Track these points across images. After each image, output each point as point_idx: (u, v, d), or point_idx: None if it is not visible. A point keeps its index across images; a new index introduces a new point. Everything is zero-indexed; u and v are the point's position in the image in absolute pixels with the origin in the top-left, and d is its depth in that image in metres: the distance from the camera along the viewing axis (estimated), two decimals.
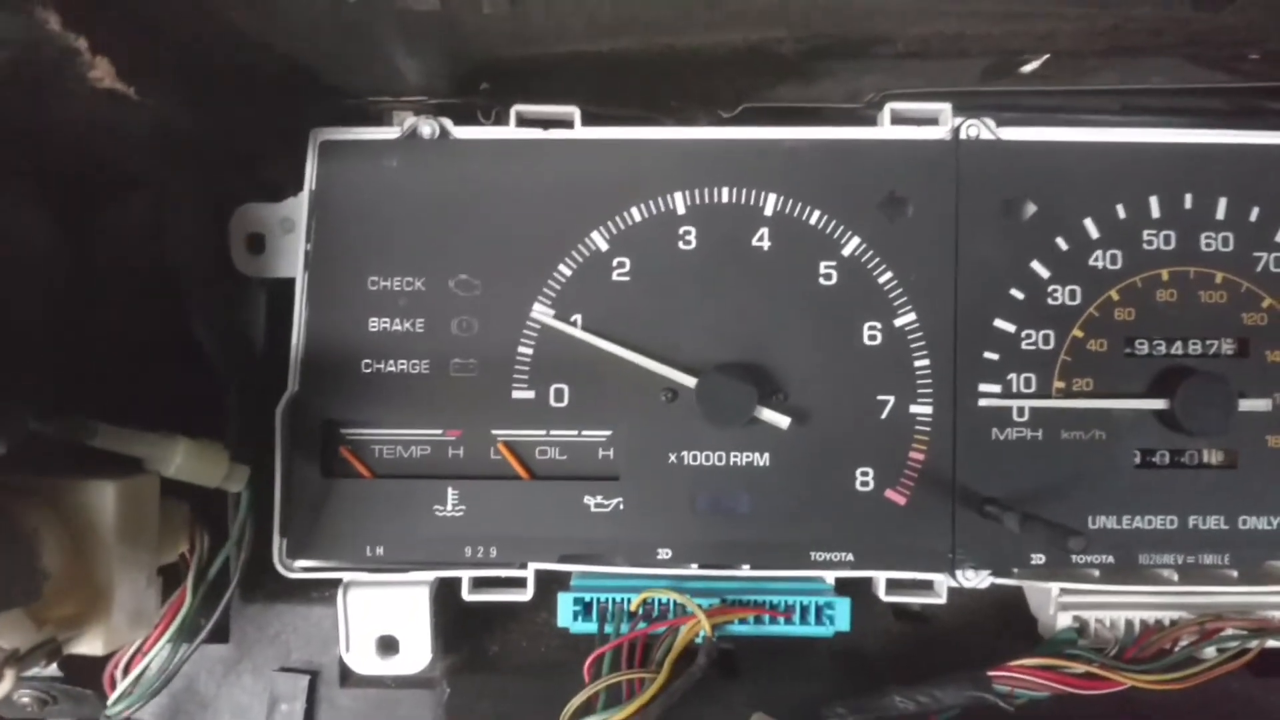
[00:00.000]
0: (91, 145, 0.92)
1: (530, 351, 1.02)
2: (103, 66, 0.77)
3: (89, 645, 0.88)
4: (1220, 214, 1.02)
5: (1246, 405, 1.00)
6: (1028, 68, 1.04)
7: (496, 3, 0.78)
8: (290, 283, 1.03)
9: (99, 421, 0.85)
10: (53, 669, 0.94)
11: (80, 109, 0.82)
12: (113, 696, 0.96)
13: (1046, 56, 1.02)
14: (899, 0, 0.86)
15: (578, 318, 1.02)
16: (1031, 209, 1.02)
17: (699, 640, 0.96)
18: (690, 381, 1.00)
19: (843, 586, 1.02)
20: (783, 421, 0.99)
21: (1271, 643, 0.98)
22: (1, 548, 0.77)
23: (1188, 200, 1.02)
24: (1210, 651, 0.96)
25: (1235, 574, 1.01)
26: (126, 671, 0.97)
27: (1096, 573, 1.01)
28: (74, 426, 0.84)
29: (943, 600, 1.02)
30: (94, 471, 0.89)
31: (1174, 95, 1.10)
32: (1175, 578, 1.01)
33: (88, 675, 0.98)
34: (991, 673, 0.92)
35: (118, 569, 0.88)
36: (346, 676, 1.06)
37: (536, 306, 1.02)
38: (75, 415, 0.84)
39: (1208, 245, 1.02)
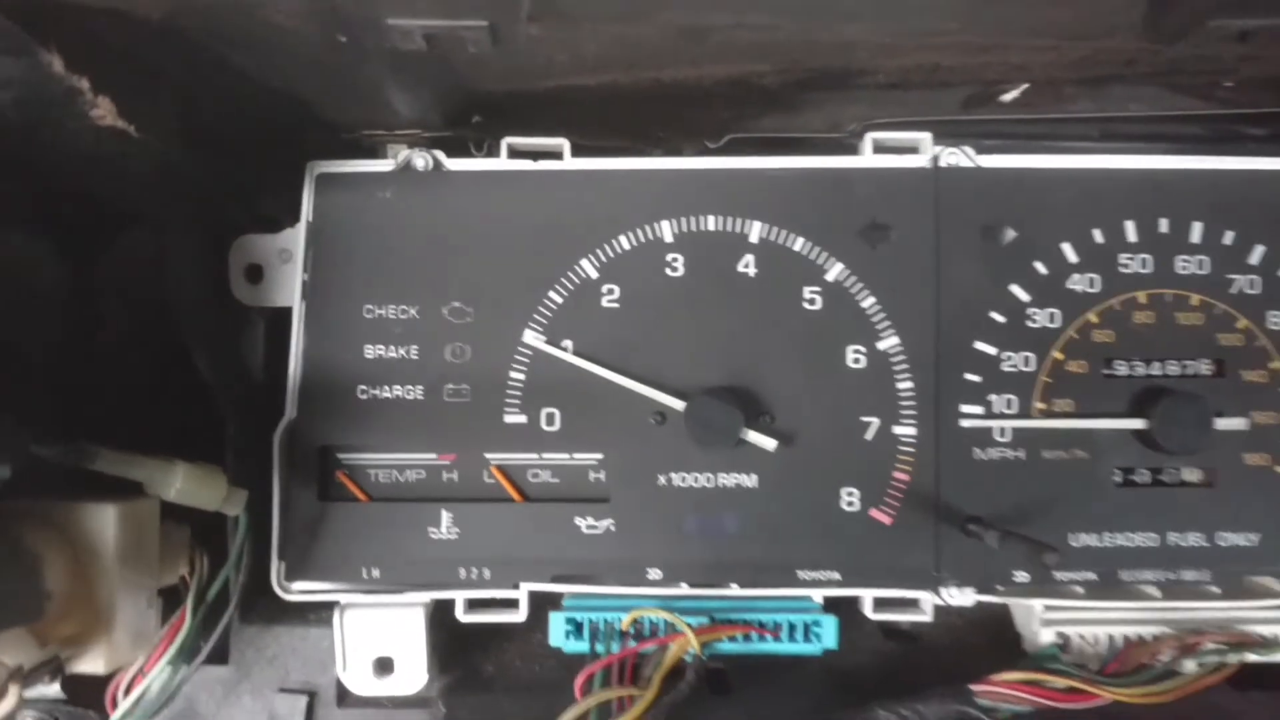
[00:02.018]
0: (94, 180, 0.95)
1: (522, 377, 1.04)
2: (104, 105, 0.79)
3: (91, 664, 0.90)
4: (1195, 238, 1.04)
5: (1223, 424, 1.02)
6: (1007, 96, 1.05)
7: (479, 43, 0.80)
8: (288, 312, 1.05)
9: (100, 446, 0.88)
10: (55, 690, 0.95)
11: (83, 146, 0.84)
12: (114, 716, 0.97)
13: (1025, 86, 1.03)
14: (874, 34, 0.88)
15: (568, 343, 1.04)
16: (1010, 234, 1.04)
17: (689, 658, 0.97)
18: (679, 405, 1.02)
19: (832, 606, 1.03)
20: (769, 443, 1.01)
21: (1252, 657, 0.99)
22: (5, 568, 0.80)
23: (1163, 225, 1.04)
24: (1191, 666, 0.97)
25: (1217, 590, 1.02)
26: (128, 693, 0.98)
27: (1080, 589, 1.03)
28: (76, 451, 0.86)
29: (929, 618, 1.03)
30: (96, 495, 0.91)
31: (1153, 122, 1.11)
32: (1158, 594, 1.02)
33: (90, 697, 0.99)
34: (973, 686, 0.94)
35: (119, 589, 0.90)
36: (344, 697, 1.07)
37: (528, 333, 1.04)
38: (77, 440, 0.87)
39: (1184, 268, 1.04)
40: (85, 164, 0.89)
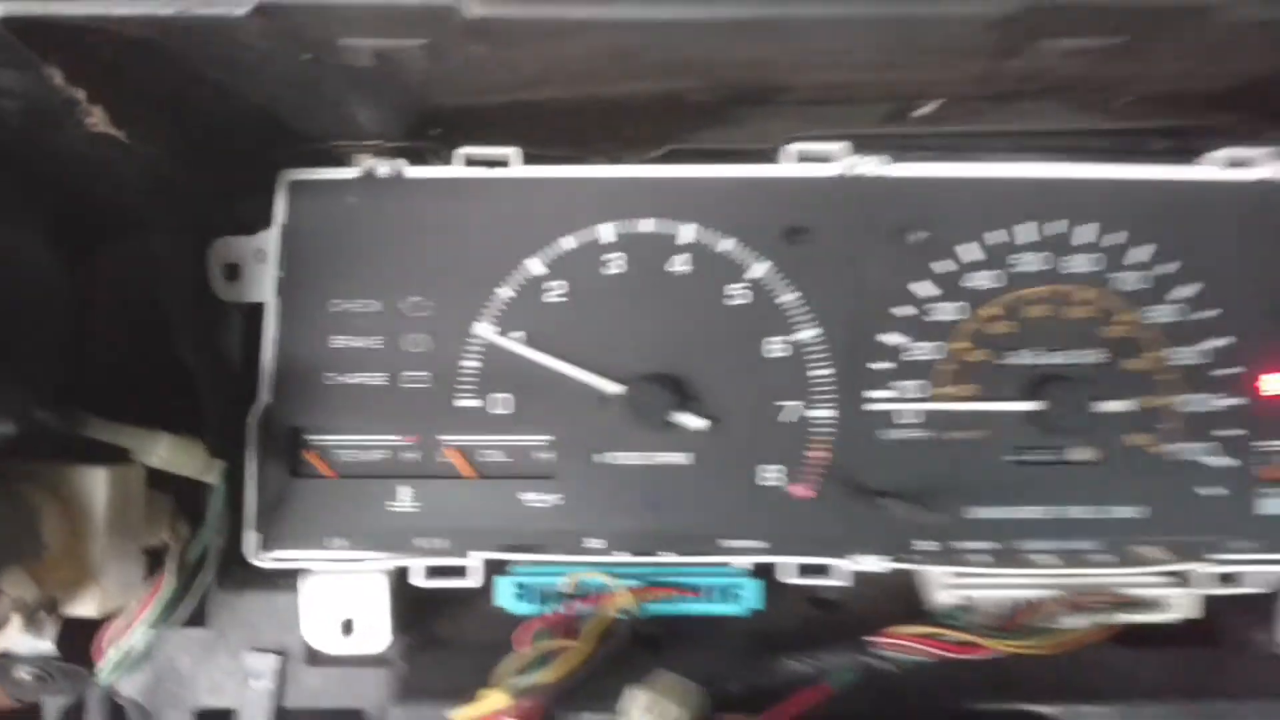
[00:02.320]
0: (89, 185, 1.02)
1: (475, 365, 1.13)
2: (98, 114, 0.88)
3: (85, 608, 0.99)
4: (1087, 239, 1.13)
5: (1107, 407, 1.11)
6: (919, 111, 1.14)
7: (421, 59, 0.90)
8: (262, 306, 1.14)
9: (92, 415, 0.98)
10: (49, 646, 1.03)
11: (78, 151, 0.92)
12: (102, 667, 1.06)
13: (940, 101, 1.12)
14: (778, 54, 0.96)
15: (519, 334, 1.13)
16: (918, 235, 1.13)
17: (623, 616, 1.07)
18: (619, 390, 1.11)
19: (762, 577, 1.12)
20: (699, 424, 1.11)
21: (1135, 617, 1.08)
22: (7, 511, 0.90)
23: (1059, 226, 1.14)
24: (1077, 623, 1.07)
25: (1107, 558, 1.11)
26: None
27: (985, 558, 1.11)
28: (70, 417, 0.96)
29: (848, 584, 1.11)
30: (88, 460, 1.01)
31: (1061, 136, 1.19)
32: (1055, 562, 1.11)
33: (79, 655, 1.07)
34: (871, 639, 1.04)
35: (109, 545, 0.99)
36: (313, 656, 1.15)
37: (480, 325, 1.13)
38: (72, 409, 0.97)
39: (1075, 267, 1.13)
40: (79, 167, 0.97)
